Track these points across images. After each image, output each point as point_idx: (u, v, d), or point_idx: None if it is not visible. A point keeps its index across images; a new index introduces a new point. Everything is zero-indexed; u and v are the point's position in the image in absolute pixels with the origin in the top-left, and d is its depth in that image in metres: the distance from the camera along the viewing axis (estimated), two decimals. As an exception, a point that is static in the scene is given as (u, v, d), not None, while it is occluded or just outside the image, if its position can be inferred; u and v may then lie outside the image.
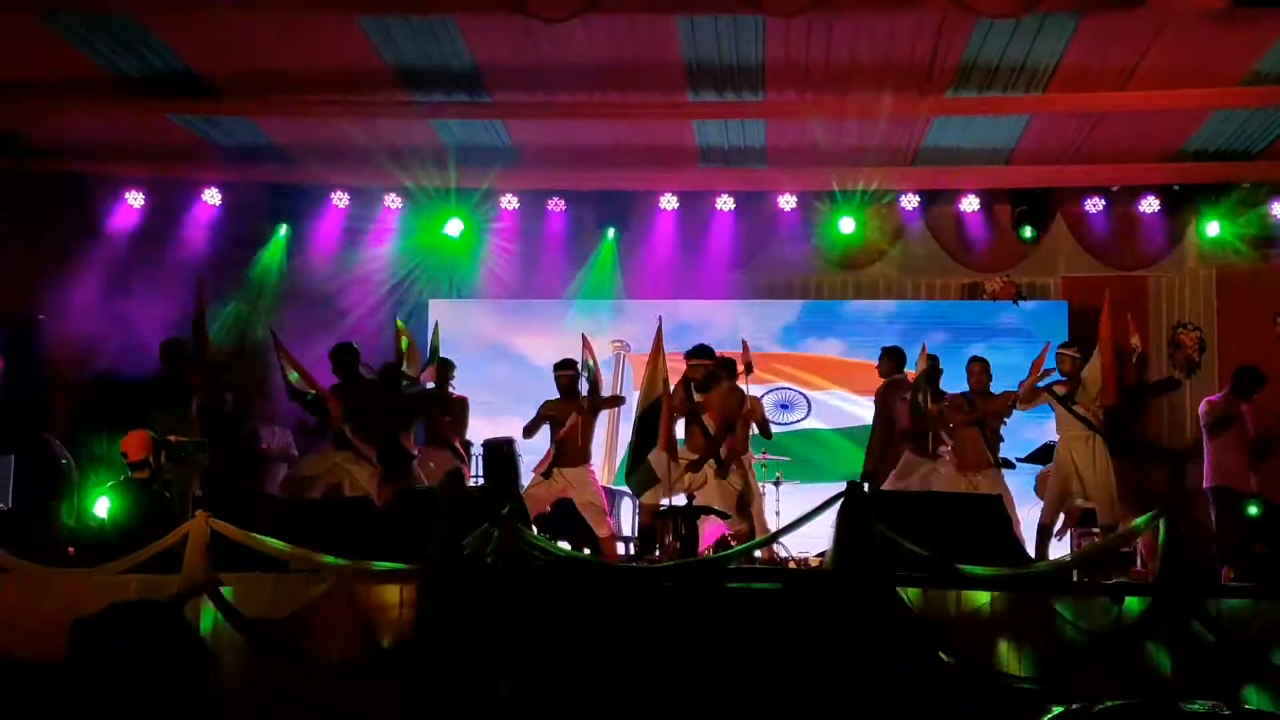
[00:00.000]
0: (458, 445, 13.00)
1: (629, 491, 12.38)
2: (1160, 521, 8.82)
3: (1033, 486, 12.70)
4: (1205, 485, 12.33)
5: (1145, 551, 11.41)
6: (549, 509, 12.39)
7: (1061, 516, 12.23)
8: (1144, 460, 12.73)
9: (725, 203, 14.87)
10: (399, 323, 13.28)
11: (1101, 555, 10.82)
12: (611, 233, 15.17)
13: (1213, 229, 14.54)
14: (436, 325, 13.29)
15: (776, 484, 13.52)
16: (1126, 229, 15.05)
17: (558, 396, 12.42)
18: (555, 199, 14.94)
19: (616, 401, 13.31)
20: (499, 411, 14.68)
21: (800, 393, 15.44)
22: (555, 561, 9.31)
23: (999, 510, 10.24)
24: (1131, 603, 8.64)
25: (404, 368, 12.73)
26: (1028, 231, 14.92)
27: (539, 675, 8.34)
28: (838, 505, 8.82)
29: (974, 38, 11.23)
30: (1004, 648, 8.56)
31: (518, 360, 15.38)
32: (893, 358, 13.15)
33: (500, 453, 13.86)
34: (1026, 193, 14.74)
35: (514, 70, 12.05)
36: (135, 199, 14.33)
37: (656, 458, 11.49)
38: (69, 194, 14.06)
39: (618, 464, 13.74)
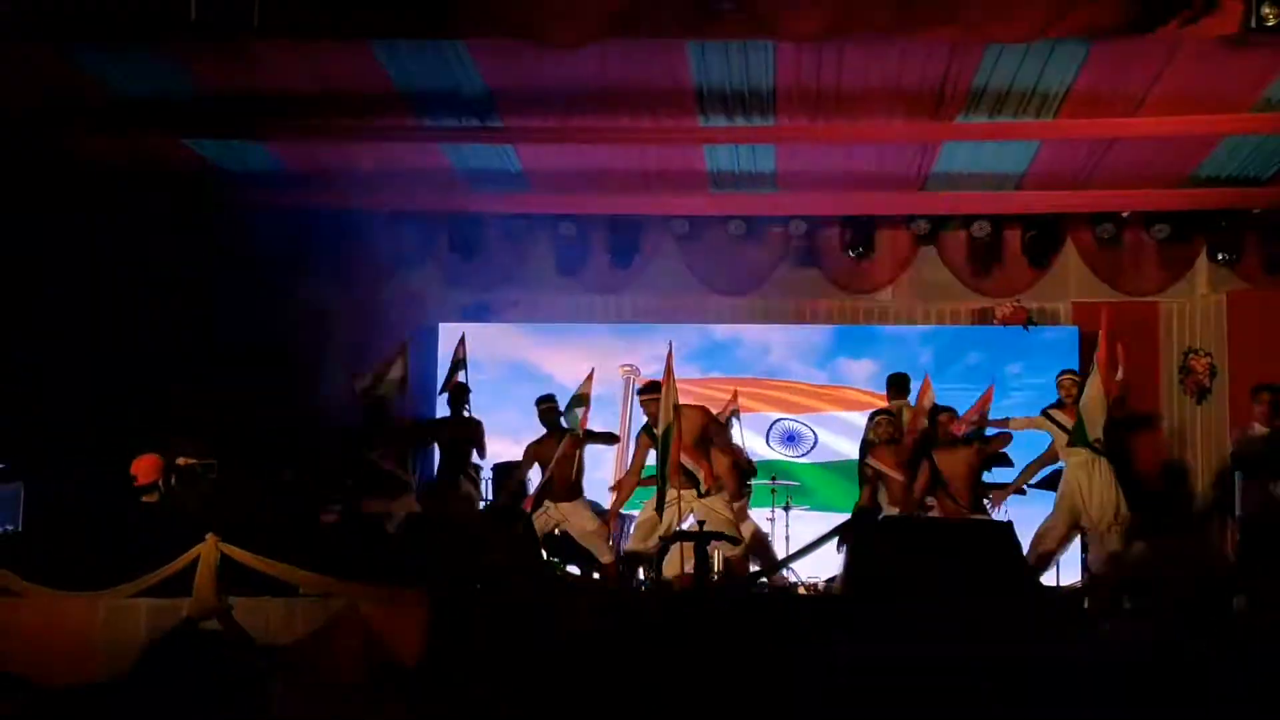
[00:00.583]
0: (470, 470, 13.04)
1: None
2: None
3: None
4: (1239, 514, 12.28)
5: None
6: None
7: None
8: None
9: (736, 227, 14.87)
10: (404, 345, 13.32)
11: (1109, 582, 10.80)
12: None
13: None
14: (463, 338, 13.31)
15: (786, 509, 13.52)
16: (1137, 254, 15.02)
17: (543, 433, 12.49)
18: (566, 224, 14.95)
19: (609, 439, 13.28)
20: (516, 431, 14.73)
21: (805, 424, 15.42)
22: (564, 584, 9.32)
23: (1009, 537, 10.21)
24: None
25: (378, 387, 12.80)
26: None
27: (548, 698, 8.33)
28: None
29: (985, 63, 11.24)
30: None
31: (535, 381, 15.35)
32: (895, 386, 13.15)
33: (510, 476, 13.86)
34: (1037, 218, 14.73)
35: (525, 95, 12.06)
36: (148, 219, 14.31)
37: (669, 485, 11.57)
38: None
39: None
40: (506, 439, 13.92)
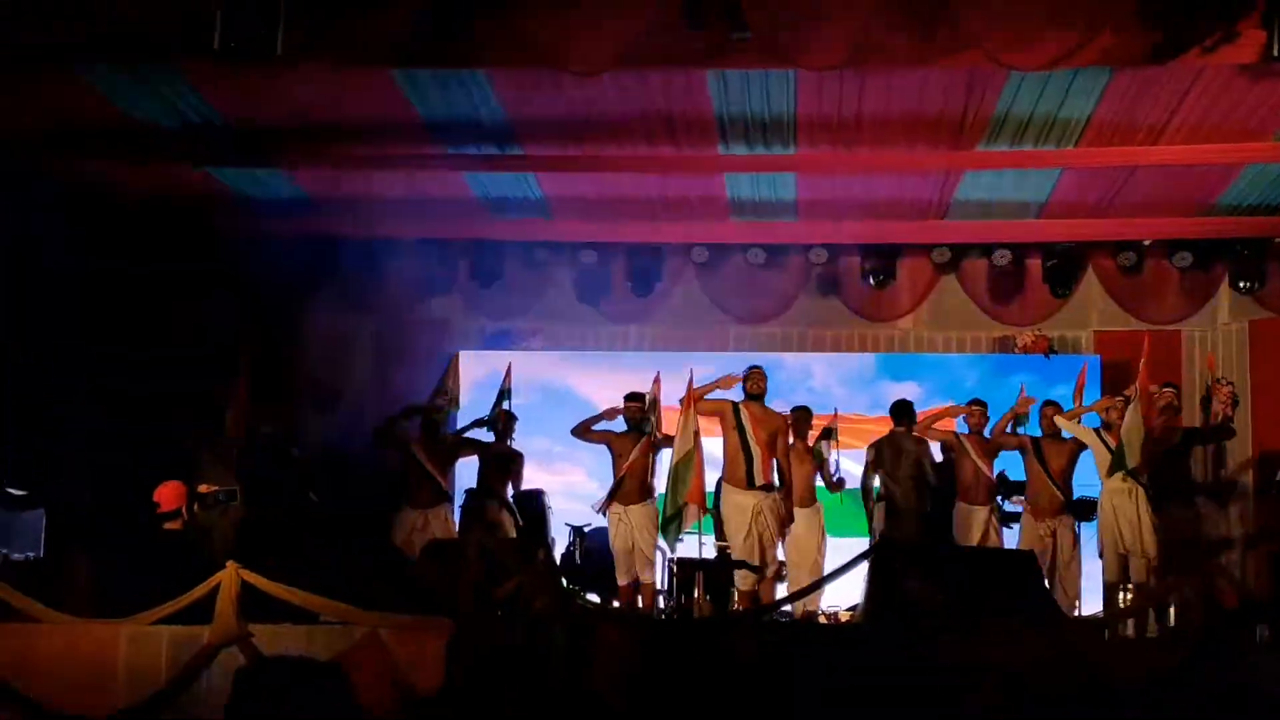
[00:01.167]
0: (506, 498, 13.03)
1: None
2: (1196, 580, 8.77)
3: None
4: None
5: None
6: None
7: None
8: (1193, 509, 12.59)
9: (756, 255, 14.88)
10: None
11: (1134, 613, 10.73)
12: None
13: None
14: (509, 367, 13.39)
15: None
16: (1158, 283, 15.01)
17: (624, 429, 12.43)
18: (586, 251, 14.97)
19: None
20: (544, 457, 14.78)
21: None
22: (585, 613, 9.30)
23: (1031, 565, 10.18)
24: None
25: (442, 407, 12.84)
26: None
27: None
28: (868, 561, 8.80)
29: (1005, 92, 11.24)
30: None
31: (570, 405, 15.37)
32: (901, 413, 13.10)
33: (530, 504, 13.87)
34: (1058, 246, 14.71)
35: (545, 123, 12.09)
36: (171, 248, 14.35)
37: (688, 510, 11.55)
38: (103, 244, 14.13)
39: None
40: (532, 463, 13.89)
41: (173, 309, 14.13)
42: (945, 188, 13.56)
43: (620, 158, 12.73)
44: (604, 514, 12.30)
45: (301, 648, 8.89)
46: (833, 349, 15.73)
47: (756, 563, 11.56)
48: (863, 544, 12.19)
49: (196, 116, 12.03)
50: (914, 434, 12.79)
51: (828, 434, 12.75)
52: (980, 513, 12.42)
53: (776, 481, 11.79)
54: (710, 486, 11.98)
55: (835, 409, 12.75)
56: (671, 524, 11.68)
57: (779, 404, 12.43)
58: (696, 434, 11.71)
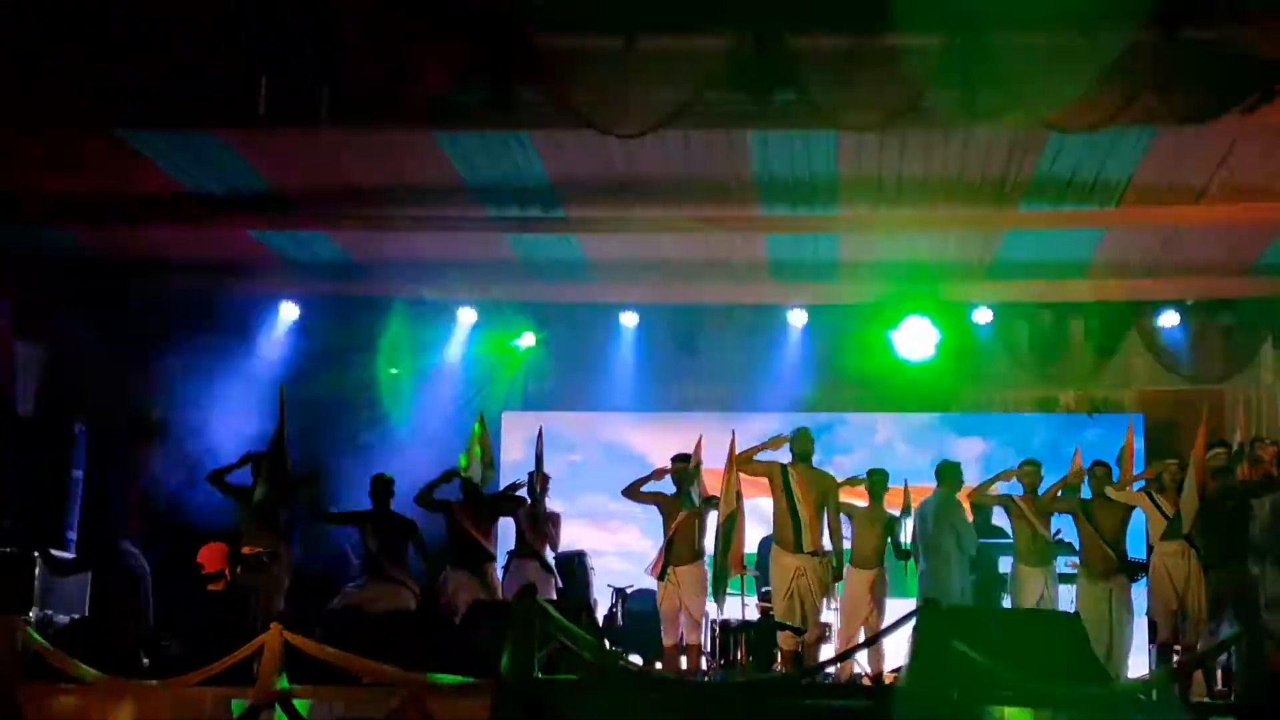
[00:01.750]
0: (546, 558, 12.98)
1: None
2: (1241, 641, 8.69)
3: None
4: None
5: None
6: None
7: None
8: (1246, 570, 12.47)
9: (797, 316, 14.88)
10: (477, 425, 13.24)
11: (1182, 674, 10.62)
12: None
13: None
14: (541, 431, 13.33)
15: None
16: (1202, 342, 14.94)
17: (673, 490, 12.37)
18: (629, 312, 15.00)
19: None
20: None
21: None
22: (628, 675, 9.27)
23: (1077, 628, 10.09)
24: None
25: (464, 469, 12.76)
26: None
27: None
28: (913, 622, 8.73)
29: (1047, 152, 11.25)
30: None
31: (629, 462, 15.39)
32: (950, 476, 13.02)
33: (573, 566, 13.85)
34: (1101, 305, 14.67)
35: (587, 184, 12.15)
36: (216, 312, 14.45)
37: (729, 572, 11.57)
38: (152, 305, 14.23)
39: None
40: (581, 521, 13.85)
41: (216, 369, 14.22)
42: (988, 246, 13.54)
43: (663, 219, 12.75)
44: (659, 577, 12.25)
45: (344, 709, 8.90)
46: (875, 409, 15.70)
47: (797, 624, 11.53)
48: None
49: (242, 180, 12.14)
50: (959, 496, 12.76)
51: (906, 511, 12.66)
52: (1037, 574, 12.34)
53: (827, 545, 11.77)
54: (753, 547, 11.97)
55: (905, 481, 12.67)
56: (721, 585, 11.67)
57: (842, 460, 12.43)
58: (739, 495, 11.70)
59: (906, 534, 12.61)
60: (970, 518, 12.86)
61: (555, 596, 12.71)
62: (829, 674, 11.59)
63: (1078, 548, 12.49)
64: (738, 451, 11.76)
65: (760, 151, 11.40)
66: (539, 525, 12.93)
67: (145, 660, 10.75)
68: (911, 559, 12.63)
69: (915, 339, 14.76)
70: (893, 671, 11.84)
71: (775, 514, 11.82)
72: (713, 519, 12.13)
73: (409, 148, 11.50)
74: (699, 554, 12.13)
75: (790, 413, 15.01)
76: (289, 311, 14.65)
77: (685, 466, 12.28)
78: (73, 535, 12.78)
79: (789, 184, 12.04)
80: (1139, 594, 12.33)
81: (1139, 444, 14.29)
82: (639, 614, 13.57)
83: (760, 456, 11.82)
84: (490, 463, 13.15)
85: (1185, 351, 14.99)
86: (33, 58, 9.77)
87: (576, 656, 8.76)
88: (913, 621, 8.55)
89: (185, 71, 9.85)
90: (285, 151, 11.64)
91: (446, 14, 9.64)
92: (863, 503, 12.53)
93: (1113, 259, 13.74)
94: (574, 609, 10.87)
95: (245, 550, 12.02)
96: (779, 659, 11.76)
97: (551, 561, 13.03)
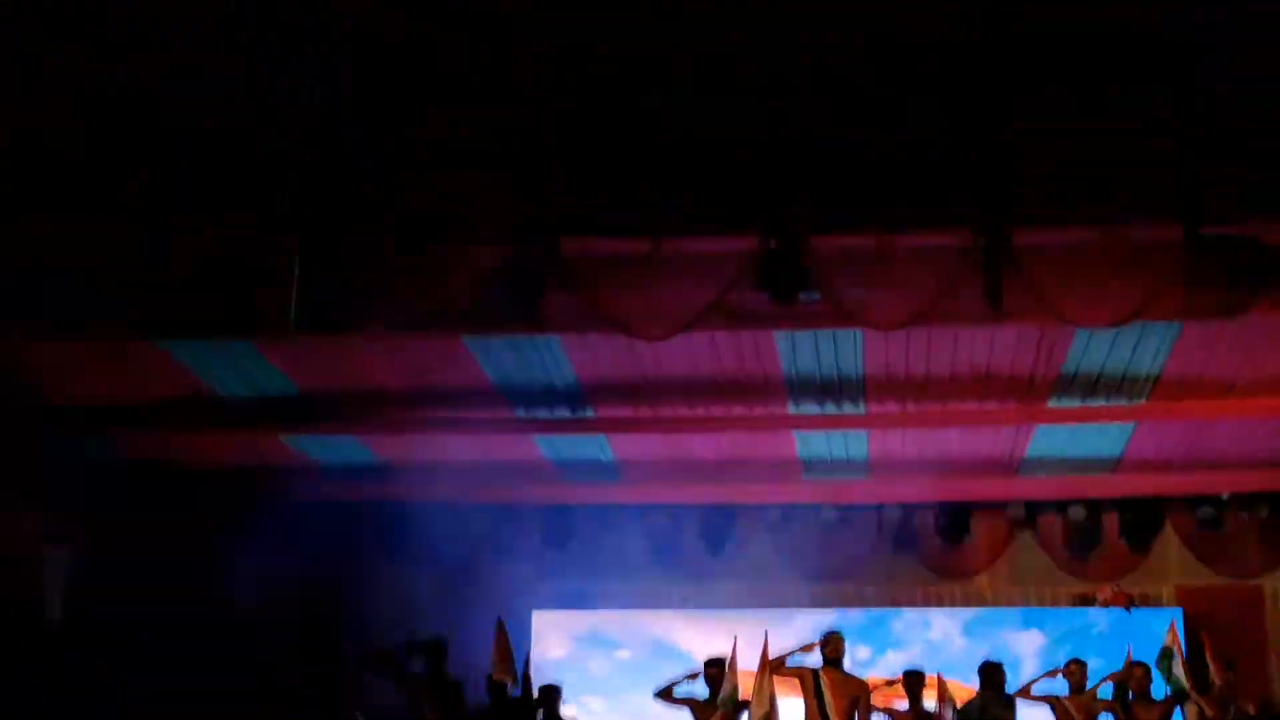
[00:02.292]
0: None
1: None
2: None
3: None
4: None
5: None
6: None
7: None
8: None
9: (829, 514, 14.84)
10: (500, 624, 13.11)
11: None
12: None
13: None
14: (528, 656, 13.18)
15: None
16: (1238, 536, 14.83)
17: (706, 695, 12.19)
18: (658, 512, 14.98)
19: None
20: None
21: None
22: None
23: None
24: None
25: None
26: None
27: None
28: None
29: (1074, 348, 11.26)
30: None
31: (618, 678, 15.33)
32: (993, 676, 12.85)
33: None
34: (1134, 501, 14.58)
35: (616, 386, 12.21)
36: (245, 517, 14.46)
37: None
38: (186, 509, 14.26)
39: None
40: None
41: (237, 572, 14.20)
42: (1017, 444, 13.52)
43: (692, 419, 12.79)
44: None
45: None
46: (907, 604, 15.56)
47: None
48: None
49: (273, 387, 12.23)
50: (1003, 697, 12.60)
51: (945, 700, 12.48)
52: None
53: None
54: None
55: (939, 672, 12.53)
56: None
57: (895, 656, 12.31)
58: (772, 697, 11.59)
59: None
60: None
61: None
62: None
63: None
64: (770, 656, 11.69)
65: (787, 350, 11.44)
66: None
67: None
68: None
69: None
70: None
71: (806, 718, 11.69)
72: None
73: (439, 351, 11.57)
74: None
75: (823, 610, 14.94)
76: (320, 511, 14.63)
77: (718, 670, 12.15)
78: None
79: (817, 382, 12.07)
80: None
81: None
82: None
83: (792, 661, 11.74)
84: (514, 674, 12.92)
85: (1222, 546, 14.87)
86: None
87: None
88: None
89: (219, 282, 9.97)
90: (314, 358, 11.72)
91: (474, 220, 9.75)
92: (903, 704, 12.41)
93: (1145, 453, 13.68)
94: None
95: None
96: None
97: None
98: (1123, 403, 12.38)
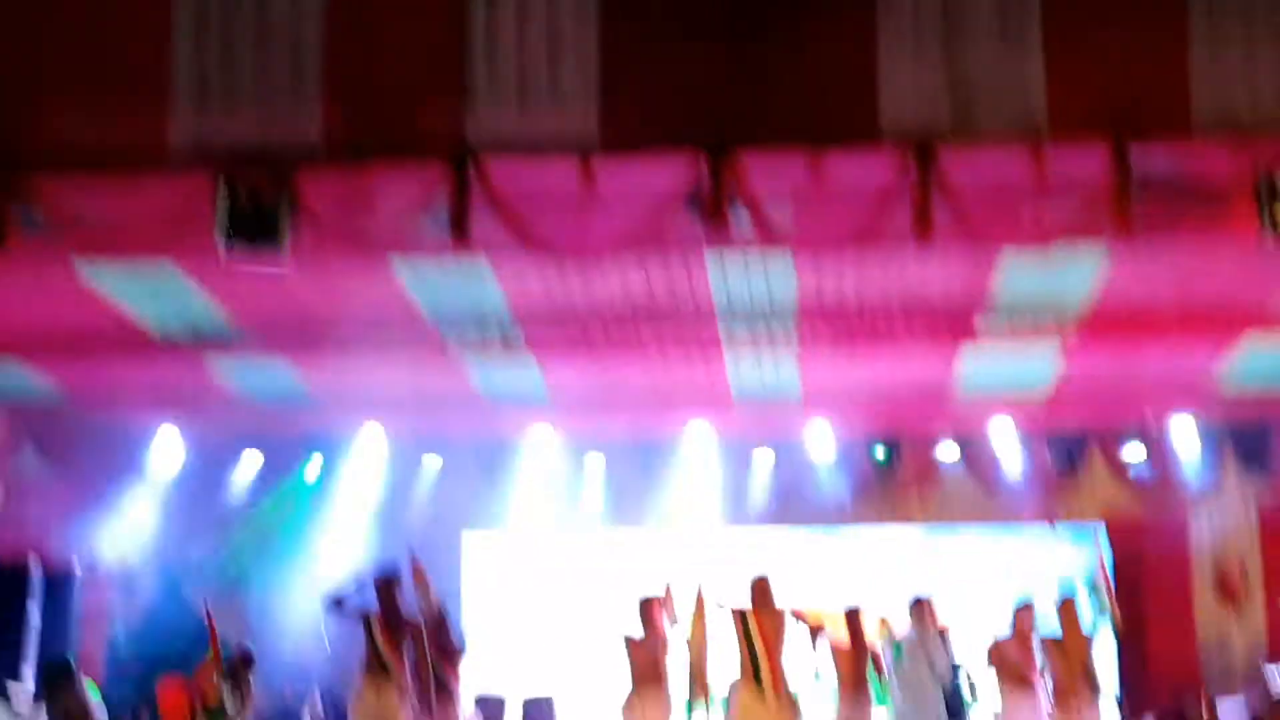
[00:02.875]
0: None
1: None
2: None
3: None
4: None
5: None
6: None
7: None
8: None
9: (760, 442, 14.88)
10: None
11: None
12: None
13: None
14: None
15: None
16: (1166, 467, 14.97)
17: (641, 635, 12.28)
18: (589, 437, 14.99)
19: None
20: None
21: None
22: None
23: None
24: None
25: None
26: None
27: None
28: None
29: (1004, 275, 11.28)
30: None
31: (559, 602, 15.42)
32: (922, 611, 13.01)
33: (540, 712, 13.73)
34: (1063, 430, 14.67)
35: (547, 313, 12.15)
36: (172, 450, 14.38)
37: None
38: (108, 445, 14.15)
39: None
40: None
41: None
42: (947, 373, 13.54)
43: (622, 344, 12.76)
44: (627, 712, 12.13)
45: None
46: (838, 533, 15.70)
47: None
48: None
49: (199, 315, 12.10)
50: (929, 627, 12.76)
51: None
52: None
53: (793, 686, 11.79)
54: (720, 688, 11.92)
55: (874, 607, 12.74)
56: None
57: (826, 586, 12.66)
58: (704, 636, 11.72)
59: (884, 668, 12.61)
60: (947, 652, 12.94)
61: None
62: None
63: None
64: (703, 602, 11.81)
65: (718, 276, 11.41)
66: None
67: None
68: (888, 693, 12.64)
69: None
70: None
71: (739, 659, 11.77)
72: (680, 655, 12.10)
73: (369, 277, 11.47)
74: (665, 690, 12.01)
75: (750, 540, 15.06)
76: (249, 454, 14.57)
77: (652, 611, 12.22)
78: (29, 668, 12.63)
79: (748, 309, 12.06)
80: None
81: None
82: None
83: (716, 604, 11.87)
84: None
85: (1150, 476, 15.03)
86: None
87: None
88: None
89: (142, 204, 9.83)
90: (243, 284, 11.59)
91: (404, 142, 9.66)
92: (839, 639, 12.54)
93: (1073, 384, 13.72)
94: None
95: (208, 689, 11.90)
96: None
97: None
98: (1052, 332, 12.42)
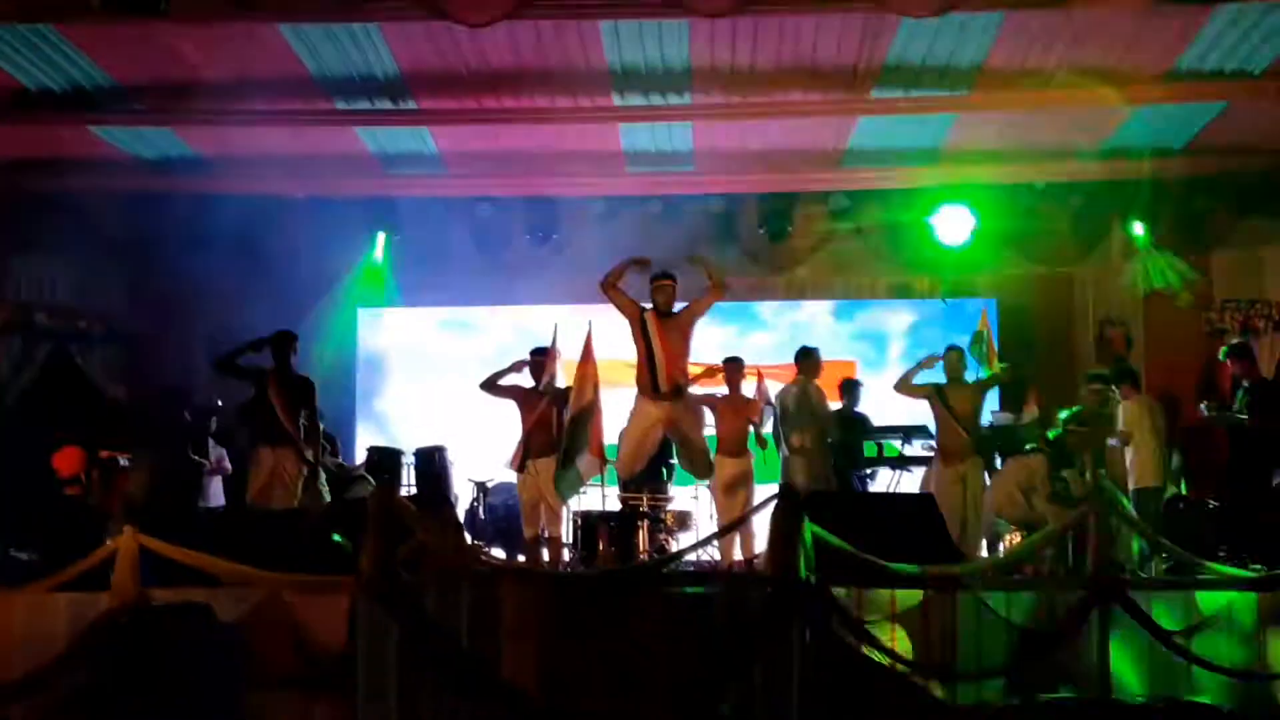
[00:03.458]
0: None
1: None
2: (1089, 516, 8.89)
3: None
4: None
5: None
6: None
7: None
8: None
9: (653, 207, 14.86)
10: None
11: (1034, 551, 10.78)
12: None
13: (1137, 229, 14.70)
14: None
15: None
16: (1053, 227, 15.15)
17: (531, 384, 12.29)
18: (484, 205, 14.90)
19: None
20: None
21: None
22: (489, 569, 9.28)
23: (931, 508, 10.26)
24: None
25: None
26: None
27: (473, 685, 8.31)
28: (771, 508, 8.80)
29: (898, 38, 11.26)
30: (938, 645, 8.58)
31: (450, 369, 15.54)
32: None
33: (432, 461, 13.83)
34: (953, 189, 14.74)
35: (438, 76, 11.99)
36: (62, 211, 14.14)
37: (589, 462, 11.58)
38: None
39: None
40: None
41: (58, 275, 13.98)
42: (841, 135, 13.54)
43: (515, 110, 12.65)
44: (518, 470, 12.20)
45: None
46: (730, 299, 15.76)
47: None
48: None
49: (83, 76, 11.83)
50: (816, 382, 12.99)
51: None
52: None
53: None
54: (613, 439, 11.95)
55: (758, 369, 12.93)
56: (565, 477, 11.66)
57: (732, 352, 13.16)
58: (595, 387, 11.73)
59: (768, 423, 12.77)
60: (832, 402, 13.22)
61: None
62: (690, 562, 11.68)
63: (933, 431, 12.65)
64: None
65: (612, 40, 11.28)
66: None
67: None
68: (774, 447, 12.83)
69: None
70: (752, 558, 11.98)
71: (636, 358, 11.62)
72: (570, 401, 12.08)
73: (256, 41, 11.24)
74: (557, 446, 12.09)
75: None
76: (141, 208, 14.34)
77: (542, 360, 12.24)
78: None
79: (642, 73, 11.95)
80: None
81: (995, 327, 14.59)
82: (500, 508, 13.62)
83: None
84: None
85: (1037, 235, 15.20)
86: None
87: (437, 551, 8.73)
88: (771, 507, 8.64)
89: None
90: (127, 46, 11.33)
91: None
92: (723, 391, 12.63)
93: (965, 143, 13.75)
94: (435, 503, 10.86)
95: (103, 454, 11.89)
96: (642, 547, 11.89)
97: None
98: (944, 94, 12.43)
